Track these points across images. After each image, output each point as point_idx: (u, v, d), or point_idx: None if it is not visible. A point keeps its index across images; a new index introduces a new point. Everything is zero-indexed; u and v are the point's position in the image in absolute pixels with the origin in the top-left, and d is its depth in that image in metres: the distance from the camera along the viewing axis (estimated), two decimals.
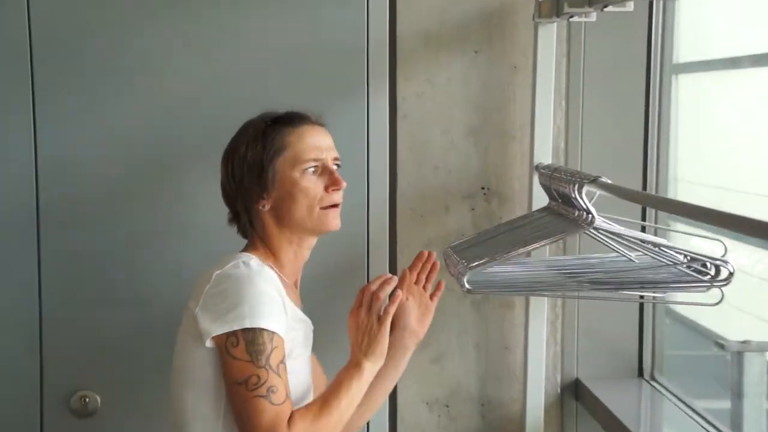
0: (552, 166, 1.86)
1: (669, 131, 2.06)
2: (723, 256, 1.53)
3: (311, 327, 1.58)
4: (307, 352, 1.56)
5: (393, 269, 2.07)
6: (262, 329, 1.40)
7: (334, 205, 1.54)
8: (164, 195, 2.01)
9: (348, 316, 1.54)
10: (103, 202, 2.00)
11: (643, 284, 1.58)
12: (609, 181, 1.54)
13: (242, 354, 1.39)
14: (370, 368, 1.49)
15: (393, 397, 2.09)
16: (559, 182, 1.71)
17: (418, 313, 1.60)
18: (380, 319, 1.49)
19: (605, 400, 1.96)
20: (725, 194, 2.06)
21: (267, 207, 1.52)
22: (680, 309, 2.25)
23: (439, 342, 2.10)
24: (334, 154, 1.57)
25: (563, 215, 1.71)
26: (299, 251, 1.56)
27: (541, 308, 2.02)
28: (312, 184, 1.51)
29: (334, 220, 1.54)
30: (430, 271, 1.63)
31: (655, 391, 2.06)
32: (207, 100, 1.99)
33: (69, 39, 1.95)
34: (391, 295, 1.56)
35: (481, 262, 1.59)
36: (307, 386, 1.56)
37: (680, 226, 1.91)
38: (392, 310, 1.51)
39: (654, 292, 1.60)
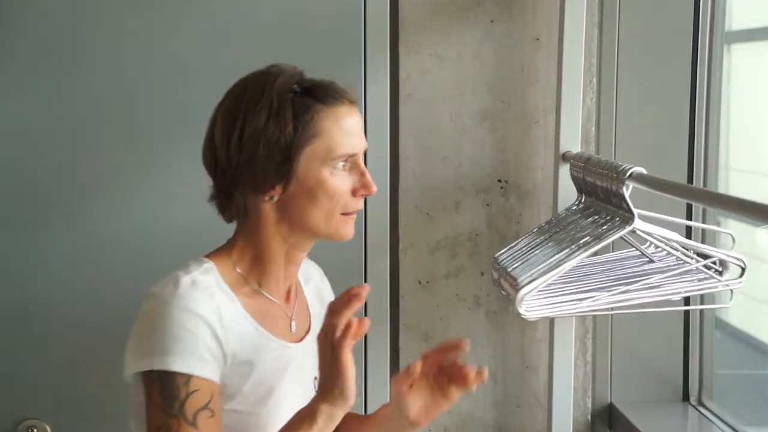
0: (582, 154, 1.81)
1: (720, 112, 2.01)
2: (732, 248, 1.53)
3: (289, 349, 1.44)
4: (290, 383, 1.43)
5: (394, 276, 2.04)
6: (173, 372, 1.30)
7: (352, 212, 1.43)
8: (129, 192, 1.97)
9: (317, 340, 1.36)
10: (49, 202, 1.95)
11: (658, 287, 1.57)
12: (645, 173, 1.50)
13: (156, 397, 1.30)
14: (327, 412, 1.29)
15: None
16: (595, 175, 1.66)
17: (427, 404, 1.41)
18: (333, 352, 1.28)
19: (644, 428, 1.92)
20: None
21: (275, 198, 1.39)
22: (734, 321, 2.20)
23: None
24: (365, 144, 1.43)
25: (599, 214, 1.67)
26: (292, 253, 1.43)
27: (568, 321, 1.95)
28: (340, 185, 1.38)
29: (351, 230, 1.42)
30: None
31: (702, 417, 2.02)
32: (188, 73, 1.95)
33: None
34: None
35: (531, 281, 1.54)
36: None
37: (736, 225, 1.89)
38: (346, 344, 1.27)
39: (666, 297, 1.59)
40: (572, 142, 1.90)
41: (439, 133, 2.01)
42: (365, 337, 1.97)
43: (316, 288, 1.57)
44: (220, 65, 1.87)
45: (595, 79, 2.01)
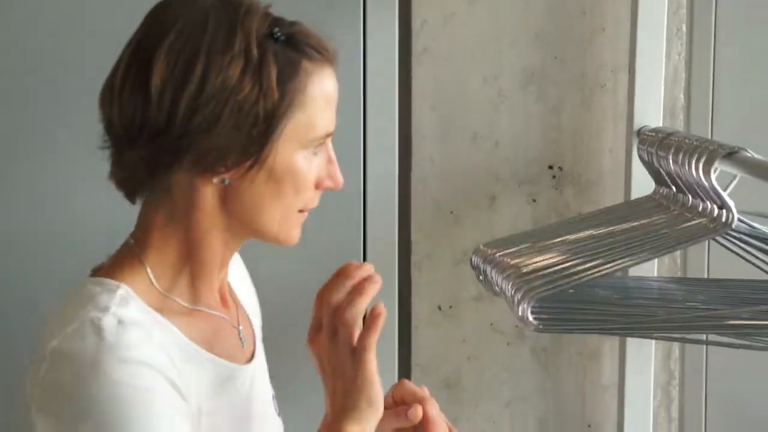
0: (664, 130, 1.76)
1: None
2: None
3: (248, 373, 1.46)
4: (254, 407, 1.46)
5: (404, 300, 2.04)
6: None
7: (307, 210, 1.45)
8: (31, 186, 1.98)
9: (306, 346, 1.42)
10: None
11: None
12: (757, 156, 1.43)
13: None
14: (355, 430, 1.35)
15: None
16: (674, 156, 1.60)
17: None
18: (355, 357, 1.35)
19: None
20: None
21: (227, 182, 1.35)
22: None
23: (477, 415, 2.07)
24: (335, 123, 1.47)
25: (680, 209, 1.64)
26: (232, 241, 1.42)
27: (645, 361, 1.94)
28: (308, 173, 1.39)
29: (299, 233, 1.44)
30: None
31: None
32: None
33: None
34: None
35: (548, 285, 1.53)
36: None
37: None
38: (372, 341, 1.34)
39: None
40: (652, 115, 1.89)
41: (467, 102, 2.01)
42: None
43: (238, 277, 1.56)
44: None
45: (684, 27, 2.01)
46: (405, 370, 2.03)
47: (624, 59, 1.96)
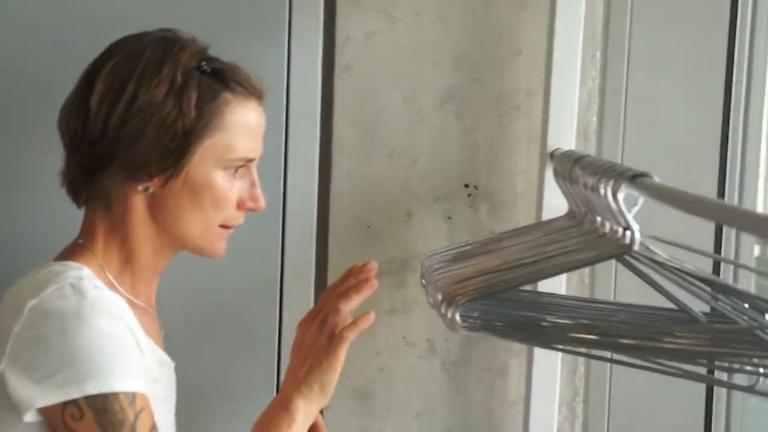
0: (575, 153, 1.77)
1: (764, 102, 2.01)
2: None
3: (173, 368, 1.62)
4: (168, 408, 1.60)
5: None
6: (116, 393, 1.40)
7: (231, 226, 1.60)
8: None
9: (296, 327, 1.60)
10: None
11: (710, 356, 1.51)
12: (658, 182, 1.45)
13: (92, 430, 1.39)
14: (304, 409, 1.52)
15: None
16: (584, 179, 1.61)
17: None
18: (331, 343, 1.53)
19: None
20: None
21: (150, 190, 1.52)
22: None
23: (388, 427, 2.08)
24: (261, 149, 1.61)
25: (589, 230, 1.64)
26: (163, 252, 1.58)
27: (551, 378, 1.95)
28: (228, 191, 1.55)
29: (224, 246, 1.60)
30: None
31: None
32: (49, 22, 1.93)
33: None
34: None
35: (475, 286, 1.55)
36: None
37: None
38: (351, 335, 1.53)
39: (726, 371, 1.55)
40: (565, 138, 1.90)
41: (386, 119, 2.02)
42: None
43: None
44: (99, 20, 1.88)
45: (598, 53, 2.02)
46: None
47: (539, 83, 1.97)
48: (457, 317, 1.52)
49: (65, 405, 1.39)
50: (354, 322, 1.54)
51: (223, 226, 1.56)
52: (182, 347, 1.67)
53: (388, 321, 2.01)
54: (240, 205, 1.56)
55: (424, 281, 1.75)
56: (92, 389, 1.38)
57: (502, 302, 1.64)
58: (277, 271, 2.00)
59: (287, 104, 1.99)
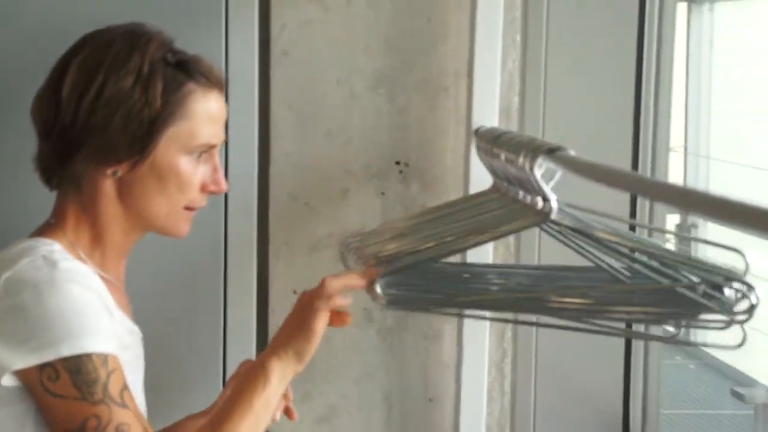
0: (497, 130, 1.83)
1: (670, 79, 2.10)
2: (744, 273, 1.47)
3: (141, 339, 1.65)
4: (137, 375, 1.63)
5: (263, 284, 2.07)
6: (89, 354, 1.44)
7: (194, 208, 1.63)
8: None
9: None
10: None
11: (629, 313, 1.57)
12: (572, 154, 1.51)
13: (68, 389, 1.43)
14: (280, 372, 1.54)
15: None
16: (506, 154, 1.67)
17: None
18: (311, 309, 1.54)
19: None
20: None
21: (119, 174, 1.55)
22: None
23: (329, 391, 2.11)
24: (223, 136, 1.65)
25: (509, 203, 1.69)
26: (131, 233, 1.61)
27: (480, 342, 2.00)
28: (192, 176, 1.58)
29: (188, 227, 1.63)
30: None
31: None
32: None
33: None
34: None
35: (397, 262, 1.58)
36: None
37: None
38: (327, 307, 1.54)
39: (643, 326, 1.67)
40: (489, 117, 1.94)
41: (321, 101, 2.05)
42: (224, 362, 2.02)
43: None
44: (51, 16, 1.91)
45: (518, 37, 2.06)
46: (262, 349, 1.92)
47: (465, 66, 2.01)
48: (379, 290, 1.55)
49: (42, 367, 1.43)
50: (334, 301, 1.55)
51: (187, 208, 1.59)
52: (143, 319, 1.70)
53: None
54: (203, 188, 1.59)
55: (345, 253, 1.74)
56: (67, 351, 1.42)
57: (425, 276, 1.64)
58: (221, 247, 2.01)
59: (227, 90, 1.85)
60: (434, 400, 2.10)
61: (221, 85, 1.62)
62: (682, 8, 2.50)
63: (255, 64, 2.01)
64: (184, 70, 1.57)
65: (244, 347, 2.02)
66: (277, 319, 2.04)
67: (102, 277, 1.56)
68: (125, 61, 1.53)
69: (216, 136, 1.60)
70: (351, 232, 1.89)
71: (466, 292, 1.68)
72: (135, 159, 1.54)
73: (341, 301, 1.55)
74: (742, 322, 1.43)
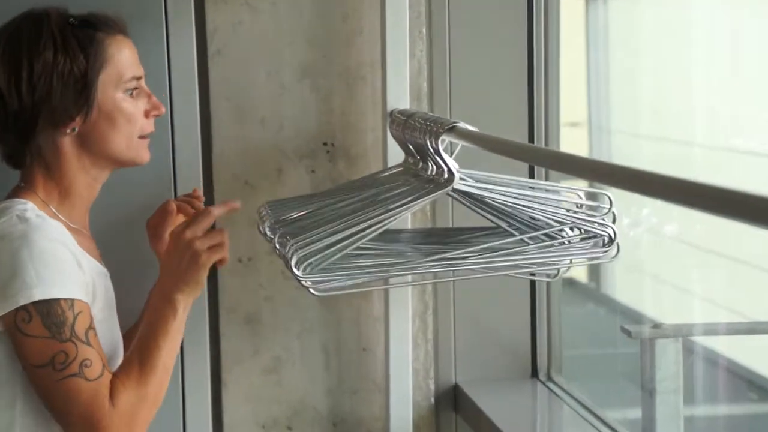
0: (407, 111, 1.95)
1: (557, 62, 2.21)
2: (607, 213, 1.67)
3: (109, 277, 1.75)
4: (111, 310, 1.73)
5: None
6: (58, 299, 1.55)
7: (146, 135, 1.75)
8: None
9: (167, 235, 1.76)
10: None
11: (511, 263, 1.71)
12: (469, 128, 1.63)
13: (39, 330, 1.55)
14: (185, 302, 1.67)
15: (218, 419, 2.18)
16: (413, 132, 1.79)
17: None
18: (197, 259, 1.66)
19: (490, 409, 2.10)
20: (675, 148, 2.20)
21: (76, 130, 1.67)
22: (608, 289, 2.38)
23: (274, 345, 2.20)
24: (143, 71, 1.76)
25: (419, 175, 1.81)
26: (93, 185, 1.73)
27: (404, 296, 2.12)
28: (134, 108, 1.70)
29: (148, 153, 1.76)
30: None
31: (553, 395, 2.20)
32: None
33: None
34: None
35: (322, 250, 1.65)
36: (114, 347, 1.74)
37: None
38: (210, 261, 1.69)
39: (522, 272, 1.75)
40: (401, 100, 2.05)
41: (255, 93, 2.14)
42: None
43: None
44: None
45: (424, 29, 2.16)
46: (214, 311, 2.14)
47: (378, 57, 2.11)
48: (309, 284, 1.63)
49: (17, 311, 1.54)
50: (213, 249, 1.68)
51: (141, 137, 1.72)
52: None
53: (269, 260, 2.13)
54: (147, 114, 1.73)
55: (268, 232, 1.80)
56: (38, 296, 1.54)
57: (345, 256, 1.68)
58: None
59: (170, 85, 2.07)
60: (367, 350, 2.20)
61: (124, 28, 1.73)
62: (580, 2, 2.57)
63: (194, 62, 2.09)
64: (90, 25, 1.68)
65: (196, 309, 1.99)
66: (225, 284, 2.15)
67: (71, 228, 1.67)
68: (38, 38, 1.63)
69: (137, 69, 1.72)
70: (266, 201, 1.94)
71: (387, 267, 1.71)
72: (84, 111, 1.65)
73: (217, 255, 1.68)
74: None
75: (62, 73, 1.64)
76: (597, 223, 1.69)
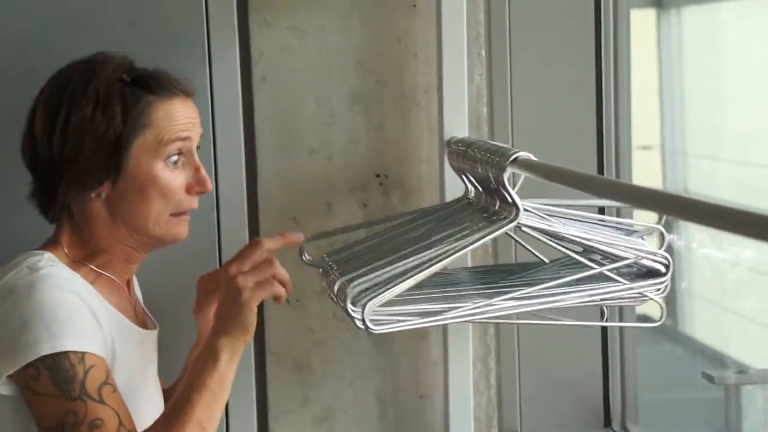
0: (466, 140, 1.88)
1: (628, 81, 2.14)
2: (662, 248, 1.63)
3: (149, 335, 1.67)
4: (145, 371, 1.65)
5: None
6: (66, 352, 1.46)
7: (185, 212, 1.63)
8: None
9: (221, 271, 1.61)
10: None
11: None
12: (532, 158, 1.56)
13: (48, 388, 1.46)
14: (230, 347, 1.54)
15: None
16: (473, 163, 1.73)
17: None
18: (242, 297, 1.53)
19: None
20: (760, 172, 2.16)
21: (103, 195, 1.58)
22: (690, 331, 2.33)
23: (325, 393, 2.13)
24: (200, 131, 1.65)
25: (482, 208, 1.74)
26: (133, 255, 1.64)
27: (464, 339, 2.03)
28: (172, 181, 1.59)
29: (185, 230, 1.63)
30: None
31: None
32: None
33: None
34: None
35: (374, 294, 1.59)
36: (146, 410, 1.63)
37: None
38: (256, 300, 1.55)
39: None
40: (459, 128, 1.98)
41: (302, 121, 2.09)
42: None
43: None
44: (42, 48, 1.94)
45: (483, 51, 2.10)
46: (260, 357, 2.08)
47: (434, 81, 2.04)
48: (370, 324, 1.58)
49: (25, 368, 1.46)
50: (258, 285, 1.55)
51: (176, 214, 1.60)
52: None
53: (319, 300, 2.06)
54: (189, 190, 1.60)
55: (328, 286, 1.73)
56: (46, 349, 1.45)
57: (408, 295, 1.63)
58: (215, 259, 2.03)
59: (213, 115, 2.03)
60: (425, 397, 2.13)
61: (183, 89, 1.62)
62: (651, 15, 2.53)
63: (238, 89, 2.05)
64: (142, 86, 1.59)
65: (243, 357, 1.83)
66: (273, 329, 2.09)
67: (98, 275, 1.60)
68: (84, 90, 1.56)
69: (182, 130, 1.59)
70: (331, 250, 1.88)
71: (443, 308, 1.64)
72: (112, 177, 1.56)
73: (264, 293, 1.55)
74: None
75: (96, 133, 1.55)
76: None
